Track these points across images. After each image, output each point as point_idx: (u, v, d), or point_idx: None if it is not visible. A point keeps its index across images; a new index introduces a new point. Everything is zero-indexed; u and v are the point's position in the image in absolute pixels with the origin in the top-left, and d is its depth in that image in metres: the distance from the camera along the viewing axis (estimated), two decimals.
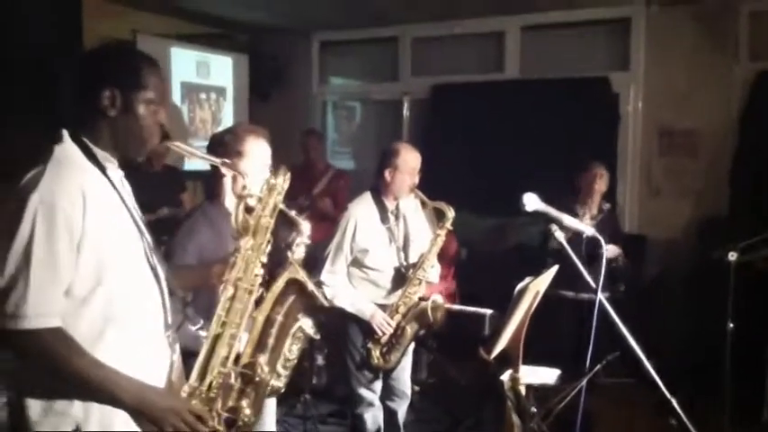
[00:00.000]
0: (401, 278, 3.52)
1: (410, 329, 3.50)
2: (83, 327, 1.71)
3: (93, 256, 1.70)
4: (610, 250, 4.54)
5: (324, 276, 3.46)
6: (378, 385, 3.59)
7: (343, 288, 3.48)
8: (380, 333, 3.44)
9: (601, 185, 4.96)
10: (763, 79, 5.50)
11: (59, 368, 1.67)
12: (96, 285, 1.72)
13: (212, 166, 2.50)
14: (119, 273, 1.76)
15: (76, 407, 1.72)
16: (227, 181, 2.61)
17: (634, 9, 5.94)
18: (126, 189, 1.90)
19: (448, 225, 3.49)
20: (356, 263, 3.51)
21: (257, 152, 2.60)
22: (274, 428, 2.89)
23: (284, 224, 2.45)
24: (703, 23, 5.70)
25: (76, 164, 1.75)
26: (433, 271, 3.58)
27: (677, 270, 5.59)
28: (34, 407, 1.71)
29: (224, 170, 2.52)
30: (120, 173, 1.88)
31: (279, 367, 2.50)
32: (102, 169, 1.79)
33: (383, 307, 3.49)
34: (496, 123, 6.25)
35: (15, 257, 1.63)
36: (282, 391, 2.61)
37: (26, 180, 1.69)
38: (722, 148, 5.64)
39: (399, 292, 3.51)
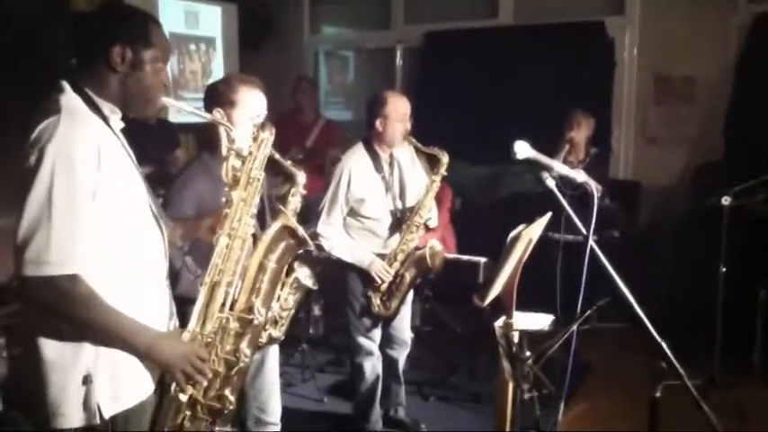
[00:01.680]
0: (398, 226, 3.52)
1: (409, 276, 3.51)
2: (95, 274, 1.75)
3: (105, 205, 1.74)
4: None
5: (320, 228, 3.46)
6: (377, 334, 3.63)
7: (340, 238, 3.49)
8: (380, 281, 3.46)
9: (580, 132, 5.02)
10: (760, 22, 5.43)
11: (76, 314, 1.72)
12: (108, 235, 1.77)
13: None
14: (128, 222, 1.82)
15: (87, 351, 1.78)
16: (223, 131, 2.61)
17: None
18: (124, 139, 1.93)
19: (443, 171, 3.48)
20: (353, 213, 3.50)
21: (250, 101, 2.61)
22: (277, 375, 2.95)
23: (272, 174, 2.46)
24: None
25: (87, 115, 1.78)
26: (430, 215, 3.58)
27: (672, 216, 5.61)
28: (46, 353, 1.77)
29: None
30: (121, 124, 1.92)
31: (276, 316, 2.55)
32: (106, 120, 1.82)
33: (382, 256, 3.50)
34: (490, 70, 6.19)
35: (36, 206, 1.66)
36: (281, 339, 2.66)
37: (40, 130, 1.71)
38: (719, 95, 5.58)
39: (396, 239, 3.51)
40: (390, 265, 3.47)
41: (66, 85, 1.81)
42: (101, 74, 1.84)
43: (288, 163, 2.39)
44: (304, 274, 2.64)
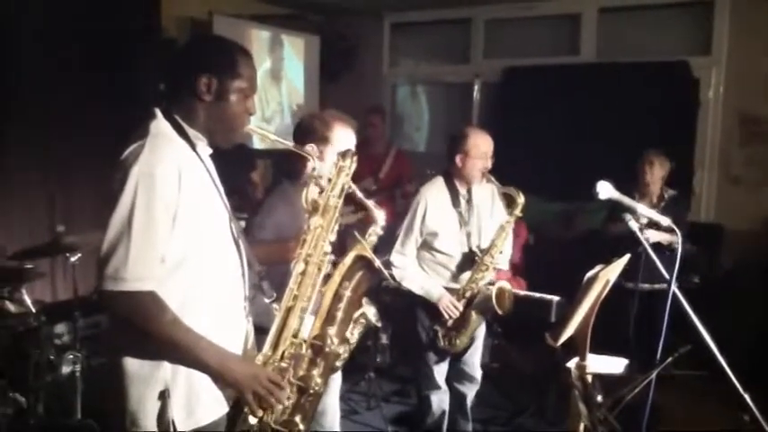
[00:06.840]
0: (470, 263, 3.49)
1: (475, 315, 3.48)
2: (172, 293, 1.81)
3: (185, 227, 1.81)
4: (653, 236, 4.28)
5: (393, 257, 3.47)
6: (444, 367, 3.60)
7: (411, 270, 3.49)
8: (447, 316, 3.44)
9: (654, 173, 4.67)
10: None
11: (150, 329, 1.78)
12: (186, 255, 1.83)
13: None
14: (207, 244, 1.88)
15: (166, 366, 1.84)
16: (310, 163, 2.66)
17: None
18: (211, 165, 2.00)
19: (517, 212, 3.46)
20: (426, 246, 3.50)
21: (343, 140, 2.69)
22: (337, 402, 2.95)
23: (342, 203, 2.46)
24: None
25: (171, 140, 1.86)
26: (501, 257, 3.55)
27: (755, 261, 5.39)
28: (128, 366, 1.84)
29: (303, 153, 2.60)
30: (209, 150, 1.99)
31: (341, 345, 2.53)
32: (193, 146, 1.90)
33: (451, 291, 3.47)
34: (570, 108, 6.12)
35: (117, 225, 1.75)
36: (339, 370, 2.65)
37: (127, 153, 1.80)
38: None
39: (467, 276, 3.49)
40: (459, 302, 3.45)
41: (158, 112, 1.90)
42: (188, 102, 1.91)
43: (370, 202, 2.37)
44: (371, 312, 2.63)
